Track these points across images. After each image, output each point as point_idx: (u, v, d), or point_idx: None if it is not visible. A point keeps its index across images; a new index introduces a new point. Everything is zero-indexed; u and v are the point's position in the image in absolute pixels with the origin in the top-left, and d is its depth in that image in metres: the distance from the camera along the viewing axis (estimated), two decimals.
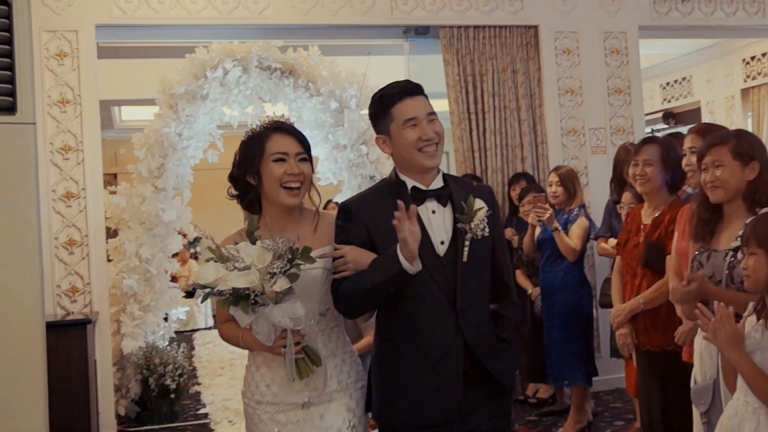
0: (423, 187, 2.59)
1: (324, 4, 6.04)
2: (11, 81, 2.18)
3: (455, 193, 2.61)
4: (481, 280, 2.61)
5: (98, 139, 5.73)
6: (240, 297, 2.35)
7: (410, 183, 2.59)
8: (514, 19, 6.40)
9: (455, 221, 2.57)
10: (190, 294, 11.04)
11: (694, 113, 10.19)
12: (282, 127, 2.68)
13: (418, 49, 6.52)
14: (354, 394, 2.67)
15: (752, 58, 9.12)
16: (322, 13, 6.04)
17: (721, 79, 9.65)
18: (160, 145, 6.08)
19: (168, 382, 6.07)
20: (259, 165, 2.61)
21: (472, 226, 2.53)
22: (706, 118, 9.89)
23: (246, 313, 2.39)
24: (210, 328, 11.18)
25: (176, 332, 7.71)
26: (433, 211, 2.58)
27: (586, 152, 6.50)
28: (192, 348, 9.52)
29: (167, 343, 6.47)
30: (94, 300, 5.63)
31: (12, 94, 2.18)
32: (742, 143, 2.95)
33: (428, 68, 6.45)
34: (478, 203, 2.57)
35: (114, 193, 6.32)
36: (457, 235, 2.56)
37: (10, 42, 2.18)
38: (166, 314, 6.66)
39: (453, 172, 6.20)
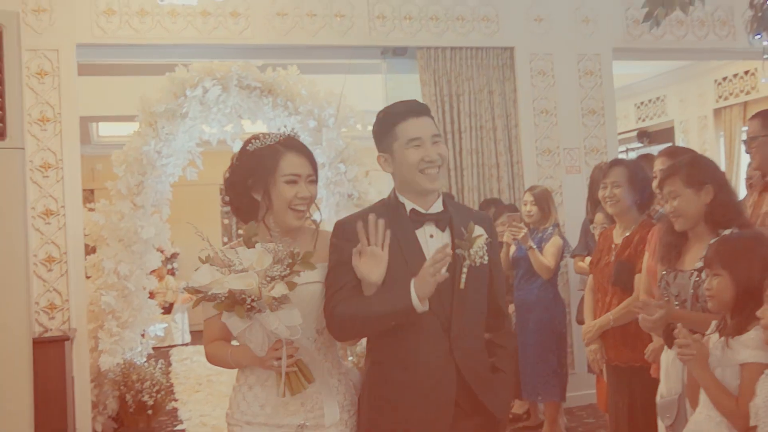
0: (422, 210, 2.53)
1: (303, 24, 6.15)
2: (1, 109, 2.26)
3: (455, 218, 2.56)
4: (477, 308, 2.56)
5: (77, 157, 5.79)
6: (236, 301, 2.28)
7: (409, 205, 2.54)
8: (490, 40, 6.55)
9: (453, 246, 2.50)
10: (167, 310, 11.07)
11: (667, 132, 10.40)
12: (296, 147, 2.60)
13: (396, 69, 6.65)
14: (349, 421, 2.60)
15: (724, 78, 9.35)
16: (301, 33, 6.16)
17: (694, 99, 9.87)
18: (140, 162, 6.16)
19: (145, 398, 6.13)
20: (269, 183, 2.54)
21: (471, 252, 2.49)
22: (679, 138, 10.10)
23: (241, 319, 2.31)
24: (187, 345, 11.21)
25: (153, 348, 7.74)
26: (431, 236, 2.54)
27: (561, 172, 6.64)
28: (169, 364, 9.53)
29: (145, 359, 6.52)
30: (72, 317, 5.68)
31: (2, 120, 2.26)
32: (692, 171, 3.10)
33: (406, 87, 6.57)
34: (478, 230, 2.53)
35: (93, 210, 6.38)
36: (455, 260, 2.49)
37: None
38: (144, 331, 6.70)
39: None
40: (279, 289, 2.29)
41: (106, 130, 11.38)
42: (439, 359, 2.47)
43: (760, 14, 3.17)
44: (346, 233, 2.53)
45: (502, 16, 6.58)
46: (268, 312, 2.31)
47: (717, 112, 9.56)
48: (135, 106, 6.27)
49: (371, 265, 2.41)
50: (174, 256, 12.39)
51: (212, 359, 2.59)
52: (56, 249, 5.67)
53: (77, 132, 5.80)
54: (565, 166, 6.63)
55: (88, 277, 6.07)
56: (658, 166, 3.73)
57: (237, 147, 6.63)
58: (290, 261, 2.35)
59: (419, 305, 2.35)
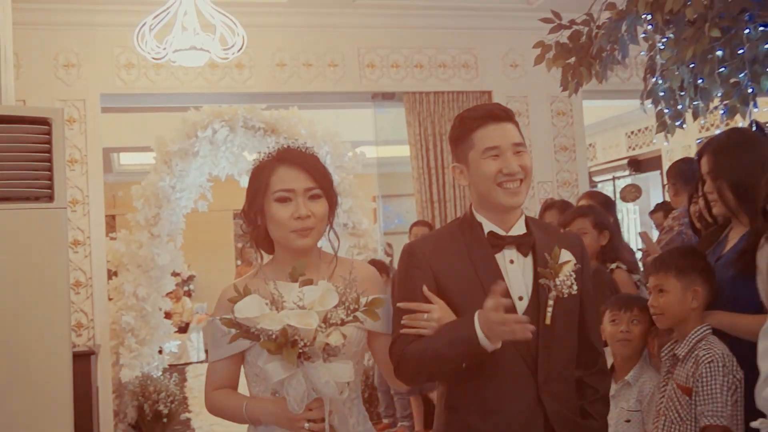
0: (502, 232, 2.30)
1: (301, 73, 7.08)
2: (51, 179, 3.19)
3: (539, 241, 2.31)
4: (567, 346, 2.29)
5: (101, 193, 6.74)
6: (287, 342, 2.00)
7: (488, 226, 2.31)
8: (470, 85, 7.44)
9: (537, 275, 2.27)
10: (182, 330, 12.04)
11: (656, 161, 11.20)
12: (290, 158, 2.31)
13: (384, 111, 7.58)
14: None
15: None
16: (299, 81, 7.09)
17: (678, 130, 10.65)
18: (156, 196, 7.11)
19: (161, 407, 7.04)
20: (263, 204, 2.29)
21: (558, 282, 2.23)
22: (666, 166, 10.91)
23: (291, 363, 2.02)
24: (202, 362, 12.14)
25: (170, 365, 8.65)
26: (512, 261, 2.29)
27: (535, 203, 7.48)
28: (184, 380, 10.47)
29: (161, 373, 7.44)
30: (96, 334, 6.60)
31: (50, 187, 3.19)
32: (597, 216, 3.96)
33: (393, 126, 7.48)
34: (565, 255, 2.27)
35: (114, 239, 7.33)
36: (539, 291, 2.25)
37: (49, 150, 3.20)
38: (160, 347, 7.62)
39: (414, 217, 7.26)
40: (336, 337, 2.03)
41: (126, 159, 12.39)
42: (525, 405, 2.22)
43: (649, 88, 3.99)
44: (415, 258, 2.32)
45: (481, 63, 7.48)
46: (320, 362, 2.05)
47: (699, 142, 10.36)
48: (152, 138, 7.22)
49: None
50: (190, 278, 13.39)
51: (215, 409, 2.34)
52: (83, 275, 6.60)
53: (101, 171, 6.76)
54: (539, 199, 7.47)
55: (110, 299, 7.01)
56: (582, 202, 4.59)
57: (245, 182, 7.68)
58: (354, 306, 2.10)
59: (487, 342, 2.10)
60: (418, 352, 2.19)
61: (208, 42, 5.59)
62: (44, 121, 3.20)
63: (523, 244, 2.30)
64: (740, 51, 3.43)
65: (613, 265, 3.98)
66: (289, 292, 2.06)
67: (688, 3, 3.47)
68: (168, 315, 9.12)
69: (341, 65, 7.18)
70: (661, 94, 3.89)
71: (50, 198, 3.18)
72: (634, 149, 11.62)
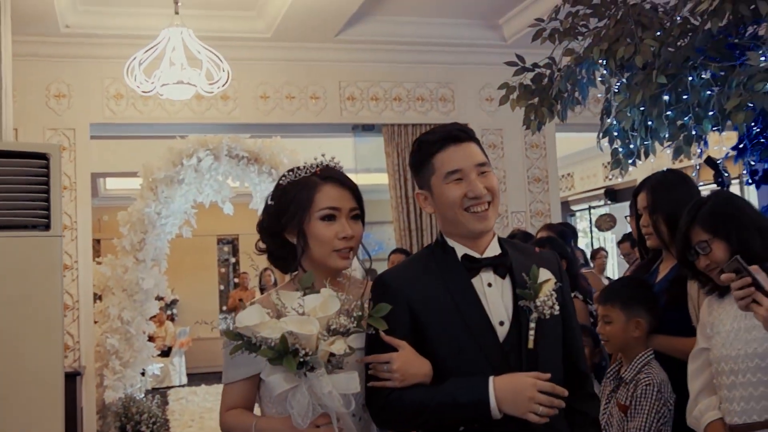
0: (477, 255, 2.21)
1: (283, 106, 7.41)
2: (47, 208, 3.48)
3: (515, 261, 2.23)
4: (552, 370, 2.14)
5: (89, 219, 7.02)
6: (287, 351, 1.95)
7: (461, 250, 2.21)
8: (447, 118, 7.78)
9: (516, 297, 2.18)
10: (165, 353, 12.28)
11: (630, 191, 11.53)
12: (335, 177, 2.29)
13: (364, 141, 7.92)
14: None
15: None
16: (281, 113, 7.42)
17: (658, 157, 11.04)
18: (142, 222, 7.40)
19: (143, 429, 7.28)
20: (302, 221, 2.23)
21: (538, 303, 2.16)
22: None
23: (291, 372, 1.97)
24: (184, 386, 12.36)
25: (153, 389, 8.90)
26: (489, 284, 2.20)
27: (509, 232, 7.82)
28: (166, 402, 10.70)
29: (143, 395, 7.69)
30: (82, 356, 6.86)
31: (47, 216, 3.48)
32: (556, 246, 4.28)
33: (372, 156, 7.81)
34: (544, 274, 2.20)
35: (100, 263, 7.60)
36: (520, 314, 2.16)
37: (47, 183, 3.50)
38: (143, 369, 7.87)
39: (393, 245, 7.57)
40: (339, 346, 1.98)
41: (112, 184, 12.68)
42: None
43: (605, 128, 4.33)
44: (388, 289, 2.21)
45: (458, 97, 7.85)
46: (323, 372, 1.98)
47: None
48: (138, 164, 7.53)
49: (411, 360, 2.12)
50: (174, 302, 13.65)
51: (229, 429, 2.27)
52: (70, 298, 6.87)
53: (89, 198, 7.04)
54: (512, 227, 7.80)
55: (95, 322, 7.27)
56: (541, 234, 4.91)
57: (228, 209, 8.00)
58: (359, 314, 2.04)
59: (497, 411, 2.04)
60: (413, 405, 2.09)
61: (194, 76, 5.90)
62: (43, 156, 3.51)
63: (499, 266, 2.21)
64: (685, 96, 3.76)
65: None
66: (291, 300, 2.04)
67: (637, 52, 3.81)
68: (152, 338, 9.39)
69: (323, 98, 7.51)
70: (615, 133, 4.22)
71: (47, 227, 3.48)
72: (610, 179, 12.00)
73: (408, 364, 2.09)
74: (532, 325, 2.15)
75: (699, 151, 4.42)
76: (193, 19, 6.36)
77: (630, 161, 4.24)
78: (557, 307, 2.18)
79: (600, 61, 4.06)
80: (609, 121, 4.29)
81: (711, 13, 3.58)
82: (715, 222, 2.66)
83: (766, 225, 2.67)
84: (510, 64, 4.48)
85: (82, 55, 6.96)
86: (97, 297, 7.44)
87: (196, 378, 12.59)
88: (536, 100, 4.47)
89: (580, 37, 4.25)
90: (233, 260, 14.87)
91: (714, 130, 3.81)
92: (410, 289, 2.19)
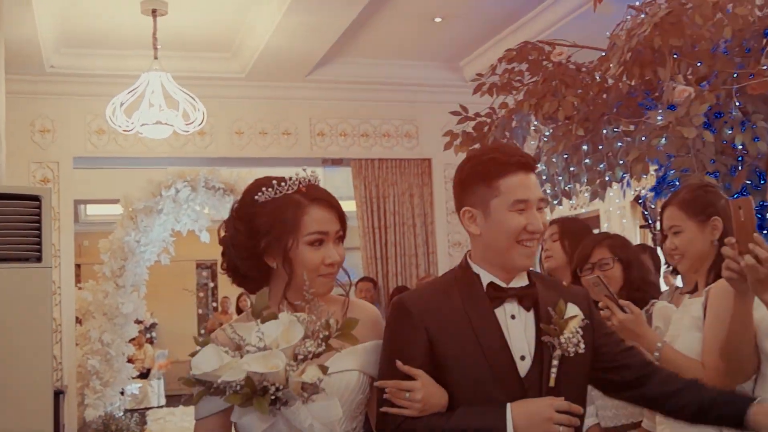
0: (503, 284, 2.12)
1: (257, 141, 8.00)
2: (39, 243, 4.04)
3: (542, 294, 2.15)
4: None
5: (71, 246, 7.56)
6: (255, 391, 1.83)
7: (486, 277, 2.13)
8: (411, 153, 8.41)
9: (540, 332, 2.11)
10: (143, 375, 12.76)
11: (593, 220, 12.14)
12: (322, 197, 2.15)
13: (333, 174, 8.52)
14: None
15: None
16: (255, 148, 8.01)
17: (614, 191, 11.64)
18: (122, 250, 7.96)
19: None
20: (288, 246, 2.08)
21: (563, 340, 2.07)
22: (604, 225, 11.88)
23: (264, 414, 1.85)
24: (162, 407, 12.83)
25: (132, 409, 9.39)
26: (513, 316, 2.11)
27: None
28: (145, 422, 11.17)
29: (122, 413, 8.20)
30: (64, 376, 7.36)
31: (39, 250, 4.05)
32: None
33: (341, 189, 8.37)
34: (571, 310, 2.12)
35: (82, 288, 8.13)
36: (543, 350, 2.09)
37: (39, 221, 4.07)
38: (123, 389, 8.39)
39: (361, 274, 8.13)
40: (311, 373, 1.85)
41: (93, 210, 13.16)
42: None
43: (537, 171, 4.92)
44: (408, 315, 2.12)
45: (422, 133, 8.47)
46: (298, 404, 1.87)
47: (632, 203, 11.36)
48: (118, 191, 8.09)
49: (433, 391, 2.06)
50: (153, 326, 14.16)
51: None
52: (53, 322, 7.38)
53: (72, 228, 7.59)
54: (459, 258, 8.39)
55: (77, 344, 7.79)
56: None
57: (204, 237, 8.53)
58: (326, 334, 1.91)
59: None
60: (420, 426, 2.02)
61: (172, 117, 6.47)
62: (36, 198, 4.07)
63: (525, 297, 2.12)
64: (600, 147, 4.38)
65: None
66: (248, 333, 1.90)
67: (561, 107, 4.42)
68: (131, 360, 9.90)
69: (294, 133, 8.11)
70: (544, 177, 4.82)
71: (39, 259, 4.03)
72: (575, 208, 12.54)
73: (429, 394, 2.03)
74: (555, 362, 2.07)
75: (622, 192, 5.02)
76: (172, 60, 6.91)
77: (555, 202, 4.82)
78: (582, 345, 2.09)
79: (529, 113, 4.67)
80: (538, 166, 4.89)
81: (620, 76, 4.21)
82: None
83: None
84: (454, 113, 5.09)
85: (65, 92, 7.53)
86: (78, 321, 7.95)
87: (174, 400, 13.03)
88: (477, 146, 5.06)
89: (514, 92, 4.86)
90: (212, 285, 15.40)
91: (623, 178, 4.42)
92: (429, 316, 2.10)
